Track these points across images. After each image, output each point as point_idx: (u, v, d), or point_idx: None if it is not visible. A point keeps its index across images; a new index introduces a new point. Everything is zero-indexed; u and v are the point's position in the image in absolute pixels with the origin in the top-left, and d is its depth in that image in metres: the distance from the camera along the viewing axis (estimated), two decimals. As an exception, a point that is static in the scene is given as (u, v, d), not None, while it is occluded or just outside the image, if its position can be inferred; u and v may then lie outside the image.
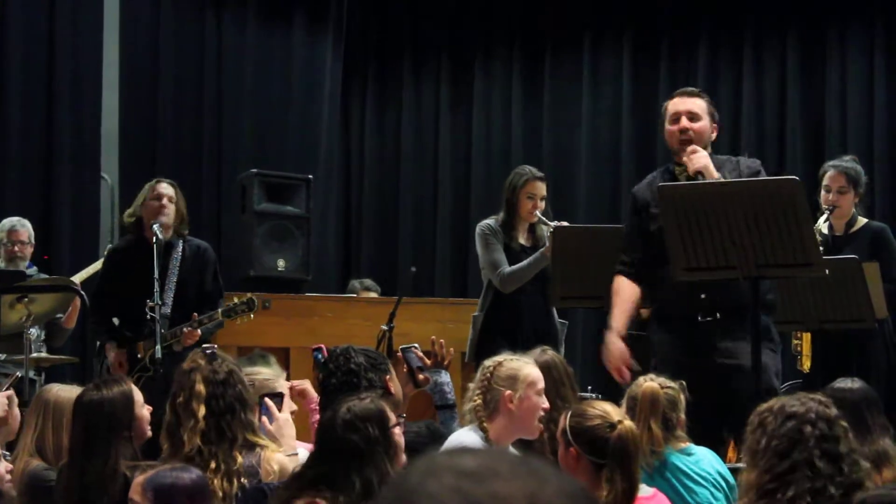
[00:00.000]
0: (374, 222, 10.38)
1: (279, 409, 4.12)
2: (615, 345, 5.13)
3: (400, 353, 4.89)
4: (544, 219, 6.54)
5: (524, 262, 6.47)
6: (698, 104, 5.20)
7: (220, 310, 6.29)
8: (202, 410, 3.85)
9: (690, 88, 5.42)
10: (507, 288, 6.49)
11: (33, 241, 7.21)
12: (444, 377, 5.04)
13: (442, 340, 5.16)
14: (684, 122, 5.13)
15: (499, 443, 4.17)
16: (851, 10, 9.54)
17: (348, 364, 4.50)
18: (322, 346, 4.55)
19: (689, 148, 5.06)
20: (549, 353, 4.87)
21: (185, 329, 6.25)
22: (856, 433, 4.34)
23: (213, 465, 3.78)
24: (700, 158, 5.01)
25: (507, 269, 6.47)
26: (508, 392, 4.21)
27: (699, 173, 4.98)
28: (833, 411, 3.33)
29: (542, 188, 6.58)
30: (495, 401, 4.23)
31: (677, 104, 5.22)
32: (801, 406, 3.33)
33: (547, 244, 6.39)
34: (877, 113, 9.32)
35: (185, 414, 3.88)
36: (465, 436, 4.28)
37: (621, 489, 3.50)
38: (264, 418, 4.11)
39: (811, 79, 9.60)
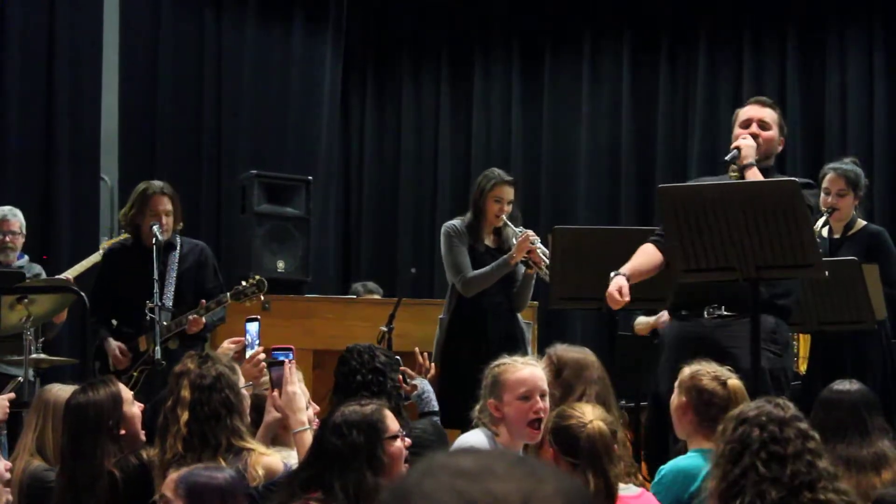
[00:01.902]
0: (373, 223, 10.38)
1: (283, 379, 4.11)
2: (616, 282, 4.91)
3: None
4: (510, 223, 6.53)
5: (487, 268, 6.43)
6: (770, 114, 5.27)
7: (228, 294, 6.29)
8: (185, 416, 3.85)
9: (764, 98, 5.47)
10: (468, 292, 6.45)
11: (24, 231, 7.14)
12: (428, 386, 5.12)
13: (426, 353, 5.23)
14: (755, 128, 5.19)
15: (508, 447, 4.16)
16: (851, 11, 9.54)
17: (373, 362, 4.55)
18: (292, 347, 4.53)
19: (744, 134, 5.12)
20: (588, 352, 4.82)
21: (191, 316, 6.26)
22: (854, 435, 4.36)
23: None
24: (745, 140, 5.07)
25: (470, 273, 6.45)
26: (491, 400, 4.21)
27: (737, 148, 5.03)
28: (790, 413, 3.31)
29: (509, 192, 6.55)
30: (486, 408, 4.23)
31: (750, 111, 5.28)
32: (755, 410, 3.32)
33: (512, 250, 6.37)
34: (877, 114, 9.32)
35: (171, 418, 3.88)
36: (473, 437, 4.28)
37: (595, 488, 3.51)
38: (274, 393, 4.12)
39: (811, 80, 9.60)
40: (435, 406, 5.13)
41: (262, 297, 6.29)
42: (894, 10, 9.40)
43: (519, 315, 6.62)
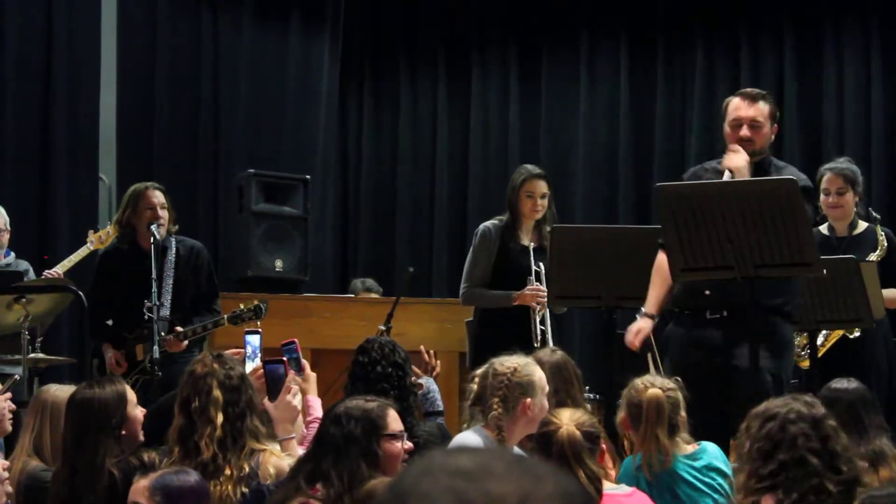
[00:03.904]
0: (371, 222, 10.37)
1: (281, 382, 4.14)
2: (637, 324, 5.17)
3: None
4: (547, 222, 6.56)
5: (490, 293, 6.48)
6: (761, 110, 5.15)
7: (226, 316, 6.31)
8: (220, 417, 3.83)
9: (754, 91, 5.32)
10: (464, 304, 6.61)
11: (9, 226, 7.11)
12: (433, 385, 5.11)
13: (432, 351, 5.22)
14: (745, 131, 5.10)
15: (508, 444, 4.18)
16: (847, 10, 9.54)
17: (394, 356, 4.59)
18: (295, 340, 4.55)
19: (732, 146, 5.03)
20: (559, 354, 4.90)
21: (169, 337, 6.25)
22: (852, 433, 4.37)
23: (227, 471, 3.78)
24: (737, 158, 4.96)
25: (474, 289, 6.52)
26: (529, 400, 4.21)
27: (730, 171, 4.93)
28: (819, 411, 3.35)
29: (541, 186, 6.57)
30: (514, 408, 4.23)
31: (740, 108, 5.15)
32: (783, 407, 3.36)
33: (518, 293, 6.35)
34: (874, 114, 9.31)
35: (201, 420, 3.85)
36: (468, 437, 4.29)
37: None
38: (267, 402, 4.13)
39: (808, 80, 9.59)
40: (440, 406, 5.12)
41: (259, 324, 6.28)
42: (891, 9, 9.39)
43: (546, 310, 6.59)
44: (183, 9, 9.50)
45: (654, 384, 4.32)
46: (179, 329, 6.29)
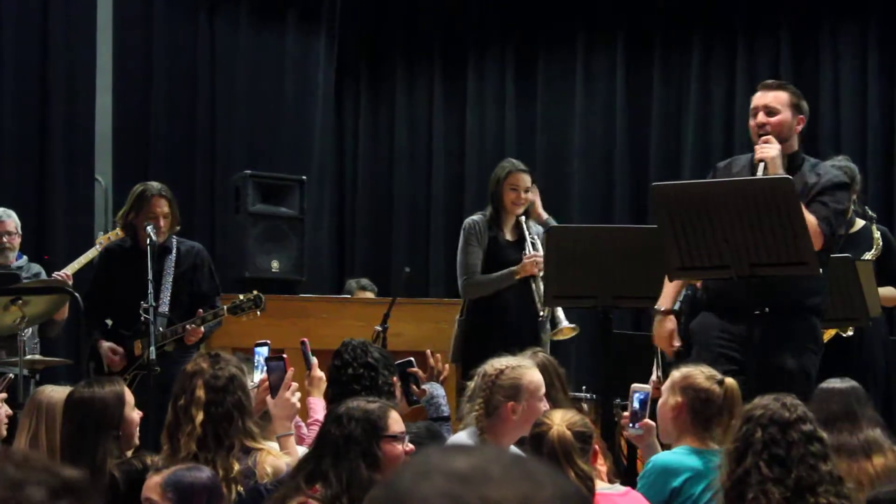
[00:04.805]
0: (367, 222, 10.37)
1: (281, 378, 4.15)
2: (661, 325, 5.14)
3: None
4: (528, 224, 6.53)
5: (492, 276, 6.46)
6: (778, 97, 5.13)
7: (225, 307, 6.31)
8: (200, 416, 3.85)
9: (773, 81, 5.34)
10: (467, 295, 6.54)
11: (20, 230, 7.12)
12: (439, 391, 5.05)
13: (438, 355, 5.15)
14: (761, 117, 5.09)
15: (498, 444, 4.16)
16: (844, 10, 9.54)
17: (366, 357, 4.57)
18: (306, 339, 4.58)
19: (764, 137, 5.01)
20: (541, 356, 4.87)
21: (189, 326, 6.25)
22: (845, 425, 4.38)
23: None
24: (769, 149, 4.93)
25: (474, 277, 6.49)
26: (511, 403, 4.19)
27: (763, 162, 4.89)
28: (795, 414, 3.34)
29: (525, 180, 6.58)
30: (497, 410, 4.21)
31: (757, 98, 5.18)
32: (761, 409, 3.36)
33: (517, 267, 6.35)
34: (870, 112, 9.31)
35: (184, 418, 3.87)
36: (461, 438, 4.28)
37: None
38: (268, 398, 4.13)
39: (804, 77, 9.57)
40: (445, 412, 5.05)
41: (259, 313, 6.27)
42: (888, 8, 9.39)
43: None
44: (179, 9, 9.49)
45: (716, 374, 4.22)
46: (200, 311, 6.28)
